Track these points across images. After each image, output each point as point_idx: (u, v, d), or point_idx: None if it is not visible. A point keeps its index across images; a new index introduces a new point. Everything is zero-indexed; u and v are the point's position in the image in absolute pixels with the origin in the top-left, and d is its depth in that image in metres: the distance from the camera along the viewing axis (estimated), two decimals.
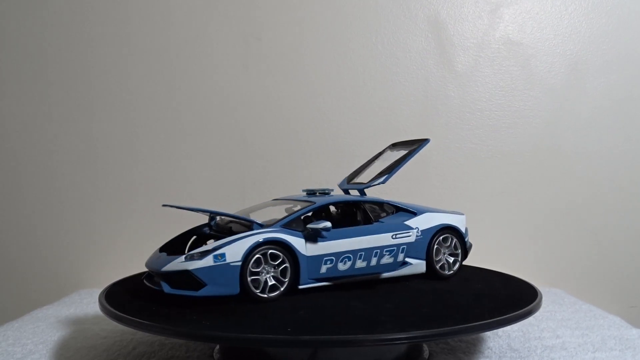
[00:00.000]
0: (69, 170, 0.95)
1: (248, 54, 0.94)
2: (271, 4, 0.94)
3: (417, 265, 0.60)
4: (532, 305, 0.51)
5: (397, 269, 0.59)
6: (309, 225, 0.54)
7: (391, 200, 0.65)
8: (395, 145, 0.69)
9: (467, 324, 0.45)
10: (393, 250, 0.57)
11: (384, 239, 0.57)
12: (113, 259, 0.95)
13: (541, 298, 0.54)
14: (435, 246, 0.61)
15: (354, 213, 0.61)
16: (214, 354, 0.56)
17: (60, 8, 0.94)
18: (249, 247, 0.51)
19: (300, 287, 0.54)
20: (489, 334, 0.62)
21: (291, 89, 0.94)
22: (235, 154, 0.95)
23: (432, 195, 0.94)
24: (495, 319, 0.46)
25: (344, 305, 0.51)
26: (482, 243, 0.94)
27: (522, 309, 0.49)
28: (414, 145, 0.66)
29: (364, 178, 0.65)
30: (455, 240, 0.63)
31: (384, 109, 0.94)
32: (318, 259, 0.54)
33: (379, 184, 0.61)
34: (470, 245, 0.67)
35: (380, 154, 0.69)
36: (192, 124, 0.95)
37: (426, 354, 0.56)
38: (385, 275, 0.58)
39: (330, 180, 0.90)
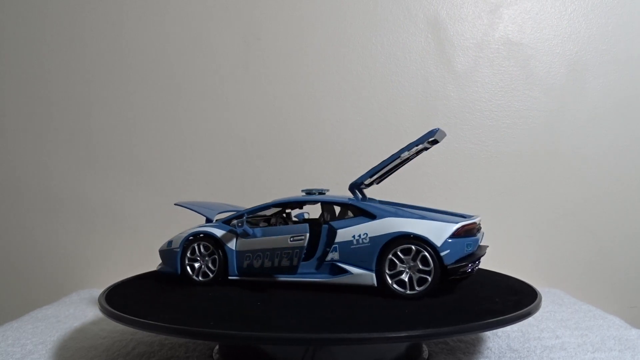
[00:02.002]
0: (69, 170, 0.95)
1: (248, 54, 0.94)
2: (271, 4, 0.94)
3: (362, 276, 0.54)
4: (531, 305, 0.51)
5: (333, 277, 0.55)
6: (233, 222, 0.60)
7: (382, 200, 0.63)
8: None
9: (466, 324, 0.45)
10: (289, 253, 0.57)
11: (282, 240, 0.57)
12: (113, 259, 0.95)
13: (541, 298, 0.54)
14: (390, 257, 0.53)
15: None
16: (214, 354, 0.56)
17: (60, 9, 0.94)
18: (185, 237, 0.61)
19: (230, 277, 0.60)
20: (488, 334, 0.62)
21: (291, 89, 0.94)
22: (235, 154, 0.95)
23: (431, 196, 0.94)
24: (494, 319, 0.46)
25: (343, 304, 0.51)
26: (481, 243, 0.94)
27: (521, 309, 0.50)
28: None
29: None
30: (423, 253, 0.53)
31: (384, 109, 0.94)
32: (241, 255, 0.59)
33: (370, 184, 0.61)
34: (468, 266, 0.54)
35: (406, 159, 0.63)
36: (192, 124, 0.95)
37: (426, 354, 0.56)
38: (320, 280, 0.56)
39: (330, 180, 0.90)
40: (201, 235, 0.61)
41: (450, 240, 0.52)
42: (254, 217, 0.64)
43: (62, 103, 0.95)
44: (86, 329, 0.67)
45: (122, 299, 0.55)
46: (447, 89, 0.94)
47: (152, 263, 0.80)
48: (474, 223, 0.55)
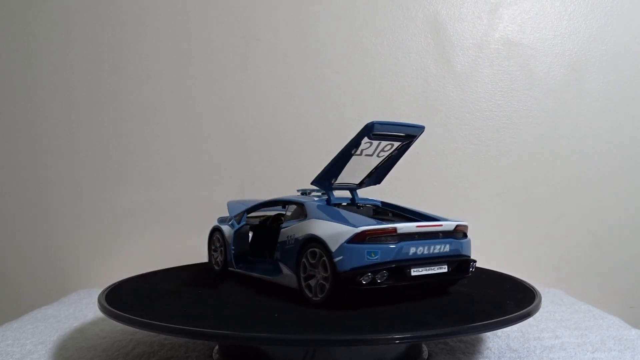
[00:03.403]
0: (70, 171, 0.95)
1: (247, 54, 0.94)
2: (271, 4, 0.94)
3: (289, 277, 0.54)
4: (531, 305, 0.51)
5: (273, 276, 0.57)
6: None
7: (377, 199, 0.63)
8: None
9: (466, 324, 0.45)
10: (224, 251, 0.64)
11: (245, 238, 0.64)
12: (112, 259, 0.95)
13: (540, 298, 0.54)
14: (303, 260, 0.52)
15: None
16: (213, 354, 0.56)
17: (61, 9, 0.94)
18: (210, 232, 0.69)
19: (229, 269, 0.65)
20: (488, 334, 0.62)
21: (290, 89, 0.94)
22: (234, 154, 0.95)
23: (431, 196, 0.94)
24: (494, 320, 0.46)
25: (343, 305, 0.51)
26: (481, 243, 0.95)
27: (521, 309, 0.49)
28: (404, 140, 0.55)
29: (354, 177, 0.60)
30: (324, 258, 0.50)
31: (384, 109, 0.94)
32: (234, 249, 0.64)
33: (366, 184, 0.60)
34: (367, 276, 0.48)
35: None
36: (192, 124, 0.95)
37: (425, 354, 0.56)
38: (265, 278, 0.59)
39: None
40: (217, 228, 0.67)
41: (346, 246, 0.49)
42: (254, 216, 0.66)
43: (62, 107, 0.95)
44: (86, 329, 0.67)
45: (122, 298, 0.55)
46: (447, 89, 0.94)
47: (152, 263, 0.80)
48: (388, 229, 0.49)
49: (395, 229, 0.50)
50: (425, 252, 0.51)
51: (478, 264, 0.74)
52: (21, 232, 0.96)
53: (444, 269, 0.52)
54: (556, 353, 0.57)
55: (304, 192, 0.63)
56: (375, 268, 0.48)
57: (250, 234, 0.65)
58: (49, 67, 0.95)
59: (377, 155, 0.56)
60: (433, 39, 0.94)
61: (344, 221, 0.51)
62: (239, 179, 0.94)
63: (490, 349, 0.58)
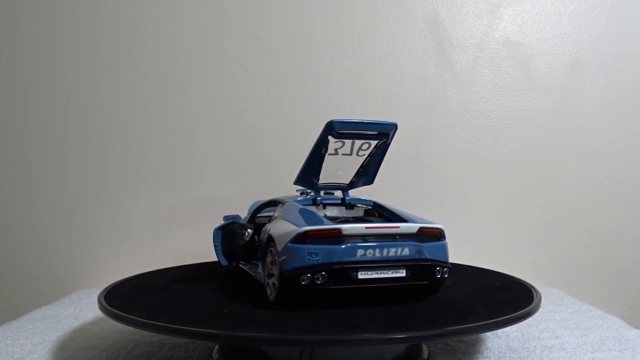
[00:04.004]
0: (70, 171, 0.95)
1: (247, 54, 0.94)
2: (271, 4, 0.94)
3: (260, 275, 0.56)
4: (531, 305, 0.51)
5: (255, 272, 0.58)
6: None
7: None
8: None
9: (466, 324, 0.45)
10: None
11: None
12: (112, 259, 0.95)
13: (540, 298, 0.54)
14: (266, 258, 0.53)
15: None
16: (213, 354, 0.56)
17: (61, 10, 0.94)
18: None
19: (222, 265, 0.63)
20: (488, 334, 0.62)
21: (290, 89, 0.94)
22: (234, 154, 0.95)
23: (431, 196, 0.94)
24: (494, 320, 0.46)
25: (343, 305, 0.51)
26: (481, 243, 0.95)
27: (521, 309, 0.49)
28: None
29: (342, 177, 0.60)
30: (276, 257, 0.50)
31: (383, 109, 0.94)
32: None
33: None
34: (307, 277, 0.47)
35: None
36: (191, 124, 0.95)
37: (425, 354, 0.56)
38: (251, 273, 0.60)
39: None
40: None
41: (290, 246, 0.48)
42: (264, 215, 0.66)
43: (61, 108, 0.95)
44: (86, 329, 0.67)
45: (122, 298, 0.55)
46: (447, 89, 0.94)
47: (152, 263, 0.80)
48: (332, 230, 0.48)
49: (339, 230, 0.48)
50: (377, 254, 0.49)
51: (478, 264, 0.74)
52: (21, 232, 0.96)
53: (400, 273, 0.49)
54: (556, 353, 0.57)
55: (303, 192, 0.63)
56: (315, 269, 0.47)
57: (248, 232, 0.64)
58: (47, 67, 0.95)
59: (357, 155, 0.55)
60: (433, 39, 0.94)
61: (296, 221, 0.50)
62: (239, 178, 0.94)
63: (490, 349, 0.58)
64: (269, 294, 0.52)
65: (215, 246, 0.61)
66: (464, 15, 0.94)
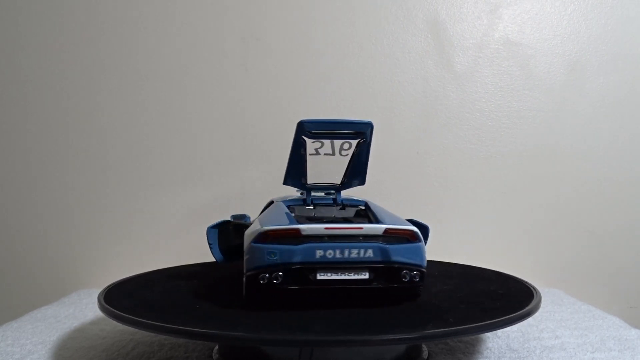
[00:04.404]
0: (70, 171, 0.95)
1: (247, 54, 0.94)
2: (271, 4, 0.94)
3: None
4: (531, 305, 0.51)
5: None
6: None
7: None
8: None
9: (466, 324, 0.45)
10: None
11: None
12: (112, 259, 0.95)
13: (540, 298, 0.54)
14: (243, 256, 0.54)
15: None
16: (213, 354, 0.56)
17: (61, 10, 0.94)
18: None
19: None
20: (488, 334, 0.62)
21: (290, 89, 0.94)
22: (234, 154, 0.95)
23: (431, 196, 0.94)
24: (494, 320, 0.46)
25: (343, 305, 0.51)
26: (481, 243, 0.95)
27: (521, 309, 0.49)
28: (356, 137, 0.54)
29: (332, 178, 0.60)
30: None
31: (383, 109, 0.94)
32: None
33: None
34: (264, 277, 0.48)
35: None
36: (191, 124, 0.95)
37: (425, 354, 0.56)
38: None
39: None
40: None
41: (252, 245, 0.49)
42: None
43: (60, 108, 0.95)
44: (86, 329, 0.67)
45: (122, 298, 0.55)
46: (447, 89, 0.94)
47: (152, 263, 0.80)
48: (290, 230, 0.48)
49: (298, 230, 0.48)
50: (338, 256, 0.48)
51: (478, 264, 0.74)
52: (21, 232, 0.96)
53: (363, 275, 0.48)
54: (556, 353, 0.57)
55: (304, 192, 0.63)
56: (273, 269, 0.48)
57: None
58: (47, 67, 0.95)
59: (341, 155, 0.55)
60: (433, 39, 0.94)
61: (265, 221, 0.50)
62: (239, 178, 0.94)
63: (490, 349, 0.58)
64: (243, 292, 0.52)
65: (209, 244, 0.61)
66: (464, 15, 0.94)
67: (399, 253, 0.49)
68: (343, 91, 0.94)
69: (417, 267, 0.50)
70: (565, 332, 0.63)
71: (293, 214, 0.56)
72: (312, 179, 0.58)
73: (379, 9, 0.94)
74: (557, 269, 0.94)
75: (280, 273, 0.48)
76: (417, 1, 0.94)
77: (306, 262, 0.48)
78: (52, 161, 0.95)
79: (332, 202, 0.59)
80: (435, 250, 0.78)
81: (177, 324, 0.45)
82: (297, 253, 0.48)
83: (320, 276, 0.48)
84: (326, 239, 0.48)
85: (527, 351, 0.57)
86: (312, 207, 0.58)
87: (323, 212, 0.58)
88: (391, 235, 0.49)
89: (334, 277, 0.48)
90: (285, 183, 0.58)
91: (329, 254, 0.48)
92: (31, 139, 0.95)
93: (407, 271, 0.49)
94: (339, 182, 0.59)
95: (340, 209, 0.59)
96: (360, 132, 0.53)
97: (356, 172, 0.57)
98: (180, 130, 0.95)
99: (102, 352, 0.58)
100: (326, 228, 0.48)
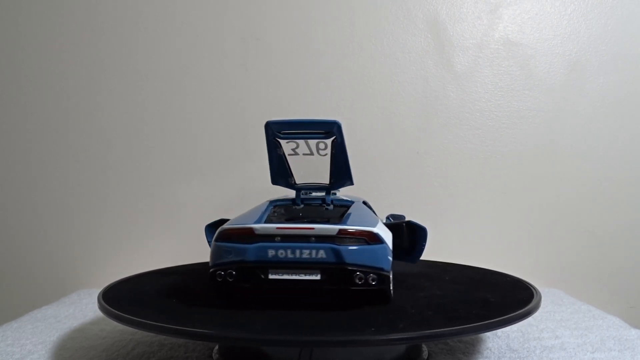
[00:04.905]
0: (70, 171, 0.95)
1: (247, 54, 0.94)
2: (271, 4, 0.94)
3: None
4: (531, 305, 0.51)
5: None
6: None
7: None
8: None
9: (466, 324, 0.45)
10: None
11: None
12: (112, 259, 0.95)
13: (540, 298, 0.54)
14: None
15: None
16: (213, 354, 0.56)
17: (61, 10, 0.94)
18: None
19: None
20: (488, 334, 0.62)
21: (290, 89, 0.94)
22: (234, 154, 0.95)
23: (431, 196, 0.94)
24: (494, 320, 0.46)
25: (343, 305, 0.51)
26: (481, 243, 0.95)
27: (521, 309, 0.49)
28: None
29: (320, 177, 0.60)
30: None
31: (383, 109, 0.94)
32: None
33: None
34: (219, 273, 0.49)
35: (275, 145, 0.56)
36: (191, 124, 0.95)
37: (425, 354, 0.56)
38: None
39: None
40: None
41: (214, 243, 0.50)
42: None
43: (59, 108, 0.95)
44: (86, 329, 0.67)
45: (122, 298, 0.55)
46: (447, 89, 0.94)
47: (152, 263, 0.80)
48: (244, 229, 0.49)
49: (252, 230, 0.49)
50: (290, 255, 0.48)
51: (478, 264, 0.74)
52: (21, 232, 0.96)
53: (315, 276, 0.48)
54: (556, 353, 0.56)
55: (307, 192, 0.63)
56: (227, 267, 0.48)
57: None
58: (47, 67, 0.95)
59: (320, 155, 0.54)
60: (433, 39, 0.94)
61: (234, 220, 0.51)
62: (239, 178, 0.94)
63: (490, 349, 0.58)
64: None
65: (209, 242, 0.61)
66: (464, 15, 0.94)
67: (352, 255, 0.48)
68: (343, 91, 0.94)
69: (375, 269, 0.48)
70: (565, 332, 0.63)
71: (276, 214, 0.57)
72: (301, 179, 0.58)
73: (379, 9, 0.94)
74: (557, 269, 0.94)
75: (234, 271, 0.49)
76: (417, 1, 0.94)
77: (258, 261, 0.48)
78: (52, 161, 0.95)
79: (321, 202, 0.59)
80: (435, 250, 0.78)
81: (177, 324, 0.45)
82: (250, 252, 0.48)
83: (272, 275, 0.48)
84: (278, 238, 0.48)
85: (527, 351, 0.57)
86: (300, 207, 0.58)
87: (308, 212, 0.58)
88: (346, 237, 0.48)
89: (286, 277, 0.48)
90: (275, 183, 0.58)
91: (281, 253, 0.48)
92: (31, 139, 0.95)
93: (362, 274, 0.48)
94: (328, 182, 0.58)
95: (330, 208, 0.58)
96: (329, 132, 0.52)
97: (340, 172, 0.56)
98: (180, 130, 0.95)
99: (102, 352, 0.58)
100: (278, 228, 0.49)
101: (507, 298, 0.55)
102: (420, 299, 0.54)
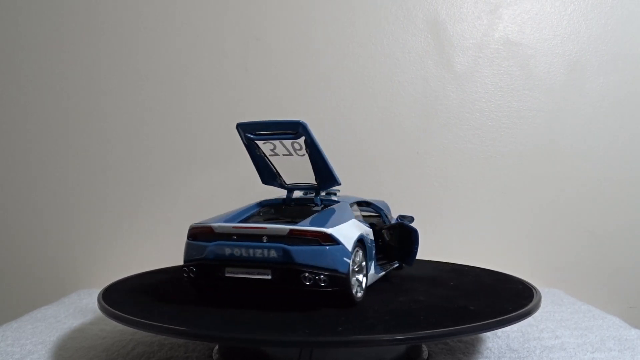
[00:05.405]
0: (70, 171, 0.95)
1: (247, 54, 0.94)
2: (271, 4, 0.94)
3: None
4: (531, 305, 0.51)
5: None
6: None
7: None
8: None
9: (466, 324, 0.45)
10: None
11: None
12: (112, 259, 0.95)
13: (540, 298, 0.54)
14: None
15: None
16: (213, 354, 0.56)
17: (61, 10, 0.94)
18: None
19: None
20: (488, 334, 0.62)
21: (290, 89, 0.94)
22: (234, 154, 0.95)
23: (431, 196, 0.94)
24: (494, 319, 0.46)
25: (342, 305, 0.51)
26: (481, 243, 0.95)
27: (521, 309, 0.49)
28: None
29: (307, 178, 0.59)
30: None
31: (383, 109, 0.94)
32: None
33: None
34: (185, 270, 0.52)
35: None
36: (192, 124, 0.95)
37: (425, 354, 0.56)
38: None
39: None
40: None
41: (186, 242, 0.53)
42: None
43: (59, 108, 0.95)
44: (86, 329, 0.67)
45: (122, 298, 0.55)
46: (446, 89, 0.94)
47: (152, 263, 0.80)
48: (205, 227, 0.51)
49: (211, 228, 0.50)
50: (244, 254, 0.49)
51: (478, 264, 0.74)
52: (21, 232, 0.96)
53: (266, 275, 0.48)
54: (556, 353, 0.57)
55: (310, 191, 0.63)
56: (190, 264, 0.51)
57: None
58: (47, 67, 0.95)
59: (298, 155, 0.55)
60: (433, 39, 0.94)
61: (209, 219, 0.53)
62: (239, 179, 0.94)
63: (490, 349, 0.58)
64: None
65: None
66: (464, 15, 0.94)
67: (302, 255, 0.47)
68: (343, 91, 0.94)
69: (326, 270, 0.47)
70: (565, 332, 0.63)
71: (261, 213, 0.58)
72: (290, 179, 0.59)
73: (379, 9, 0.94)
74: (557, 269, 0.94)
75: (194, 268, 0.51)
76: (417, 1, 0.94)
77: (216, 259, 0.50)
78: (52, 161, 0.95)
79: (311, 202, 0.59)
80: (434, 250, 0.78)
81: (177, 324, 0.45)
82: (209, 250, 0.50)
83: (228, 273, 0.49)
84: (234, 237, 0.49)
85: (527, 351, 0.57)
86: (290, 207, 0.59)
87: (292, 212, 0.59)
88: (297, 237, 0.48)
89: (240, 275, 0.49)
90: (265, 183, 0.59)
91: (236, 252, 0.49)
92: (31, 139, 0.95)
93: (310, 274, 0.47)
94: (315, 182, 0.58)
95: (318, 209, 0.58)
96: (297, 132, 0.53)
97: (321, 172, 0.56)
98: (181, 130, 0.95)
99: (102, 352, 0.58)
100: (234, 227, 0.50)
101: (507, 298, 0.55)
102: (419, 299, 0.54)
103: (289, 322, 0.47)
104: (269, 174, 0.58)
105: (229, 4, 0.94)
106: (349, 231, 0.51)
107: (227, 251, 0.49)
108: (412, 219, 0.67)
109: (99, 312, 0.53)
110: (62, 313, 0.75)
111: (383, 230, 0.60)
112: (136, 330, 0.48)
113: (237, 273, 0.49)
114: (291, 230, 0.48)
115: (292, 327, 0.45)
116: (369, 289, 0.55)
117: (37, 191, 0.95)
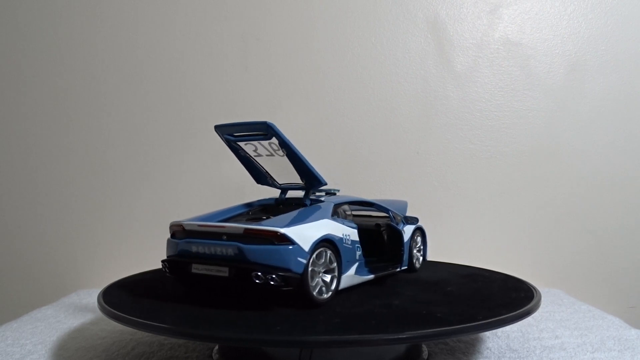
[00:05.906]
0: (70, 171, 0.95)
1: (247, 54, 0.94)
2: (271, 4, 0.94)
3: None
4: (531, 305, 0.51)
5: None
6: None
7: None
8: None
9: (466, 324, 0.45)
10: None
11: None
12: (112, 259, 0.95)
13: (540, 298, 0.54)
14: None
15: None
16: (213, 354, 0.56)
17: (61, 10, 0.94)
18: None
19: None
20: (488, 334, 0.62)
21: (290, 89, 0.94)
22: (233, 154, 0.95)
23: (431, 196, 0.94)
24: (494, 319, 0.46)
25: (342, 305, 0.51)
26: (482, 243, 0.95)
27: (521, 309, 0.49)
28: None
29: (295, 178, 0.59)
30: None
31: (383, 109, 0.94)
32: None
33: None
34: (163, 265, 0.55)
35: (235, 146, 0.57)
36: (192, 124, 0.95)
37: (425, 354, 0.56)
38: None
39: (330, 180, 0.90)
40: None
41: (168, 239, 0.55)
42: None
43: (59, 109, 0.95)
44: (85, 329, 0.67)
45: (122, 298, 0.55)
46: (447, 89, 0.94)
47: (152, 263, 0.80)
48: (177, 225, 0.54)
49: (182, 226, 0.53)
50: (207, 251, 0.51)
51: (478, 264, 0.74)
52: (21, 232, 0.96)
53: (224, 272, 0.49)
54: (556, 353, 0.57)
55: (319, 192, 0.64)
56: (166, 259, 0.54)
57: None
58: (47, 67, 0.95)
59: (279, 155, 0.55)
60: (433, 39, 0.94)
61: (196, 217, 0.56)
62: (239, 179, 0.94)
63: (490, 349, 0.58)
64: None
65: None
66: (464, 15, 0.94)
67: (255, 254, 0.48)
68: (343, 91, 0.94)
69: (278, 270, 0.48)
70: (565, 332, 0.63)
71: (249, 212, 0.59)
72: (282, 179, 0.59)
73: (379, 9, 0.94)
74: (557, 269, 0.94)
75: (167, 264, 0.53)
76: (417, 1, 0.94)
77: (182, 255, 0.52)
78: (52, 161, 0.95)
79: (301, 201, 0.60)
80: (434, 250, 0.78)
81: (177, 324, 0.45)
82: (178, 246, 0.53)
83: (194, 269, 0.51)
84: (200, 235, 0.52)
85: (527, 351, 0.57)
86: (280, 207, 0.60)
87: (279, 212, 0.59)
88: (252, 236, 0.49)
89: (203, 271, 0.50)
90: (258, 183, 0.60)
91: (200, 249, 0.51)
92: (31, 139, 0.95)
93: (261, 273, 0.47)
94: (303, 182, 0.58)
95: (307, 207, 0.58)
96: (267, 133, 0.53)
97: (303, 171, 0.56)
98: (181, 130, 0.95)
99: (102, 352, 0.58)
100: (199, 225, 0.52)
101: (507, 298, 0.55)
102: (419, 299, 0.54)
103: (289, 322, 0.47)
104: (257, 174, 0.60)
105: (229, 4, 0.94)
106: (310, 231, 0.50)
107: (193, 248, 0.52)
108: (416, 220, 0.66)
109: (99, 312, 0.53)
110: (62, 313, 0.75)
111: (370, 231, 0.60)
112: (136, 330, 0.48)
113: (200, 270, 0.51)
114: (245, 229, 0.49)
115: (292, 327, 0.45)
116: (349, 290, 0.55)
117: (37, 191, 0.95)
